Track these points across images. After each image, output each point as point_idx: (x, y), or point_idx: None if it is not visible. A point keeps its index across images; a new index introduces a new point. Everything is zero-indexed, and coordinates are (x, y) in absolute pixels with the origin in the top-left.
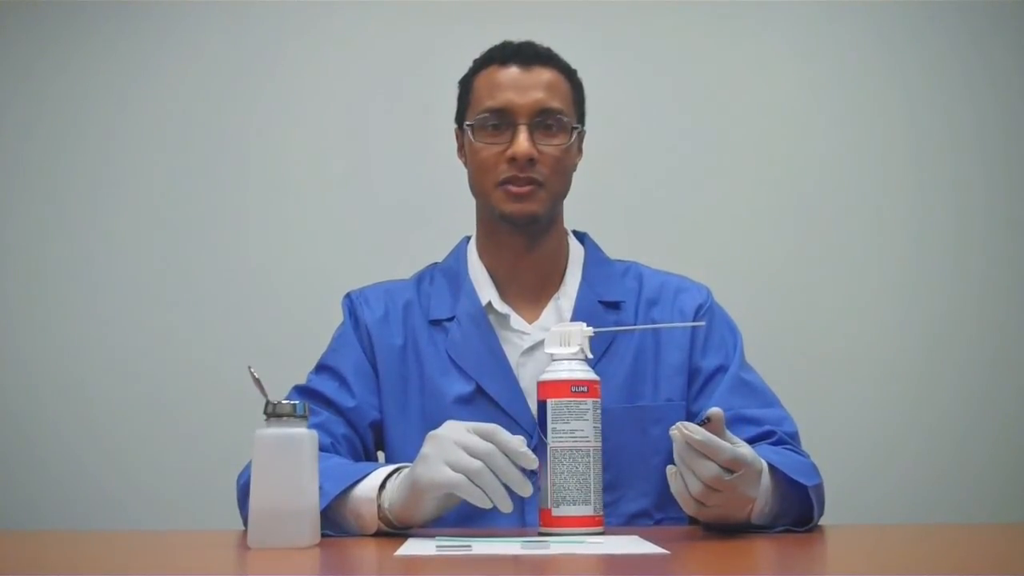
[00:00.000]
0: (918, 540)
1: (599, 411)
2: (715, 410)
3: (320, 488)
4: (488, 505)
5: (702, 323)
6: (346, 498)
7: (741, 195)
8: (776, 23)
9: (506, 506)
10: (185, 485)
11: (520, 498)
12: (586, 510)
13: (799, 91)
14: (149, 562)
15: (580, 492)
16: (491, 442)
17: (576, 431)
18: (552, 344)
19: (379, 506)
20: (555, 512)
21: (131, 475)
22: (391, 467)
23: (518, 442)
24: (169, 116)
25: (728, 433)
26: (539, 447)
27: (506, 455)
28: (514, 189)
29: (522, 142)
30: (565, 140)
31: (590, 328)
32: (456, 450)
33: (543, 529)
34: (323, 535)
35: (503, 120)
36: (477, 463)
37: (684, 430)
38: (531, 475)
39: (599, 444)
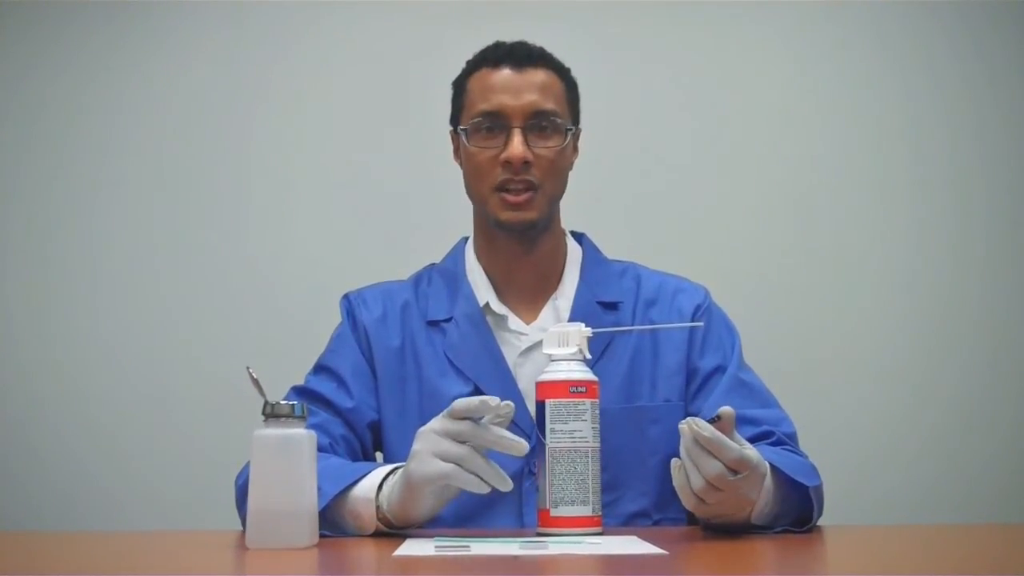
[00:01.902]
0: (918, 540)
1: (597, 412)
2: (726, 409)
3: (318, 489)
4: (485, 489)
5: (700, 323)
6: (344, 498)
7: (740, 195)
8: (775, 23)
9: (504, 484)
10: (184, 485)
11: (519, 500)
12: (584, 510)
13: (798, 91)
14: (148, 562)
15: (578, 492)
16: (468, 418)
17: (574, 432)
18: (550, 345)
19: (377, 507)
20: (553, 512)
21: (131, 475)
22: (389, 467)
23: (489, 404)
24: (168, 116)
25: (736, 434)
26: (537, 448)
27: (489, 426)
28: (510, 198)
29: (516, 145)
30: (560, 142)
31: (588, 329)
32: (441, 440)
33: (541, 529)
34: (321, 535)
35: (497, 123)
36: (464, 448)
37: (694, 426)
38: (522, 436)
39: (597, 445)
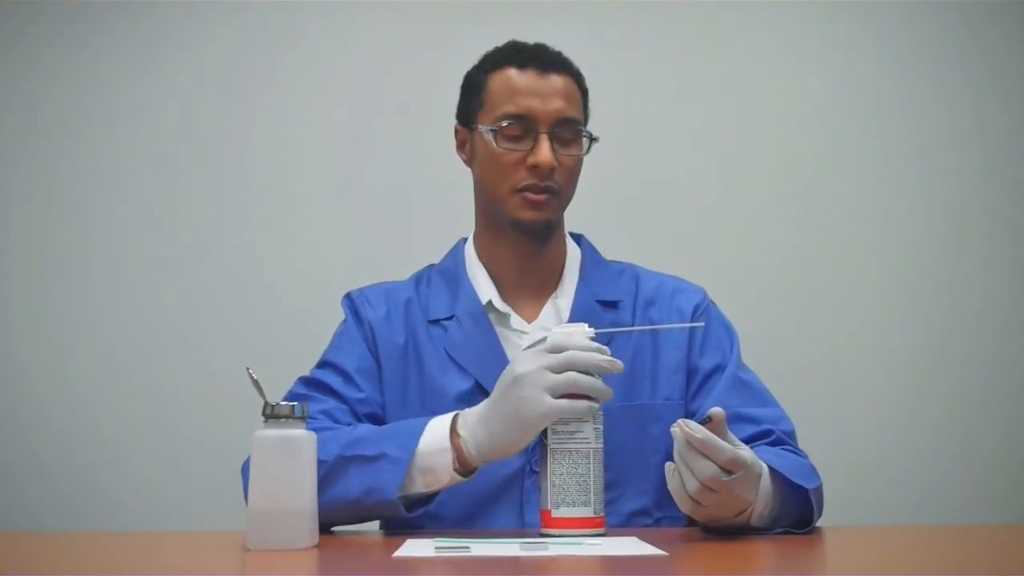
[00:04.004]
0: (918, 540)
1: (600, 412)
2: (716, 410)
3: (384, 455)
4: (610, 394)
5: (701, 324)
6: (412, 458)
7: (740, 196)
8: (776, 23)
9: (607, 394)
10: (184, 485)
11: (520, 500)
12: (586, 511)
13: (798, 92)
14: (148, 562)
15: (580, 493)
16: (561, 351)
17: (576, 432)
18: None
19: (460, 450)
20: (555, 513)
21: (131, 475)
22: (448, 416)
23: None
24: (167, 115)
25: (729, 434)
26: (539, 448)
27: (579, 349)
28: (532, 197)
29: (545, 152)
30: (580, 150)
31: (591, 328)
32: (545, 375)
33: (543, 530)
34: (327, 534)
35: (524, 126)
36: (569, 376)
37: (685, 428)
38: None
39: (600, 445)
